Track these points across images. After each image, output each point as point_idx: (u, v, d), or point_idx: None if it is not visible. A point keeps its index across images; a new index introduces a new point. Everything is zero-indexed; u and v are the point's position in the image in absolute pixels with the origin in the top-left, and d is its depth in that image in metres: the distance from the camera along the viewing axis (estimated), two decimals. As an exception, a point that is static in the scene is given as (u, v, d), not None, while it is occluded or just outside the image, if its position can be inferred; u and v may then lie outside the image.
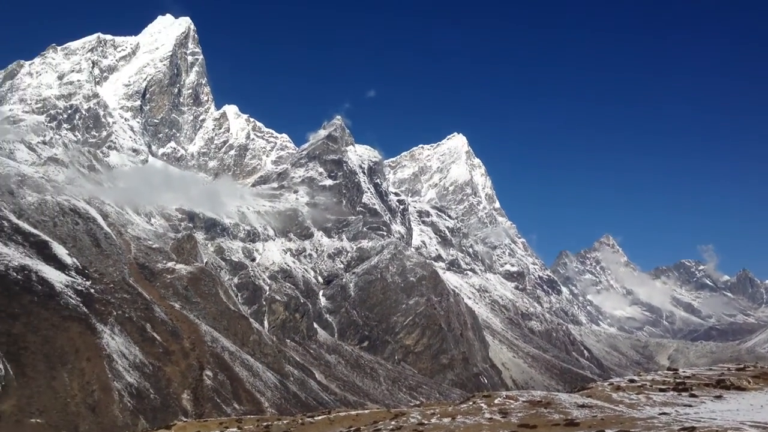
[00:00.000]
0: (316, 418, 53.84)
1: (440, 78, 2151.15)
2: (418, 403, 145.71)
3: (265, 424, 51.47)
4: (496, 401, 36.43)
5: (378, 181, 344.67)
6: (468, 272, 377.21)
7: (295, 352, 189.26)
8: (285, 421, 52.09)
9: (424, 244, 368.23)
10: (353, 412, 56.11)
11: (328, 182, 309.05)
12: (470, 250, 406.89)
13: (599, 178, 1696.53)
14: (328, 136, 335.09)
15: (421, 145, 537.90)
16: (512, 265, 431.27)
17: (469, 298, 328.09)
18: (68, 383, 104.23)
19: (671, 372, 44.09)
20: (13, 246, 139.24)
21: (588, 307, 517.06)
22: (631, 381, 41.17)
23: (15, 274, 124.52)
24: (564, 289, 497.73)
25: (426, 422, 33.88)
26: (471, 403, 37.47)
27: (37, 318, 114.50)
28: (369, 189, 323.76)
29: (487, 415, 32.63)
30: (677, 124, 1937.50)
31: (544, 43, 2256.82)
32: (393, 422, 36.50)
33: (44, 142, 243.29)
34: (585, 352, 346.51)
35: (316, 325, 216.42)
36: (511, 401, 35.88)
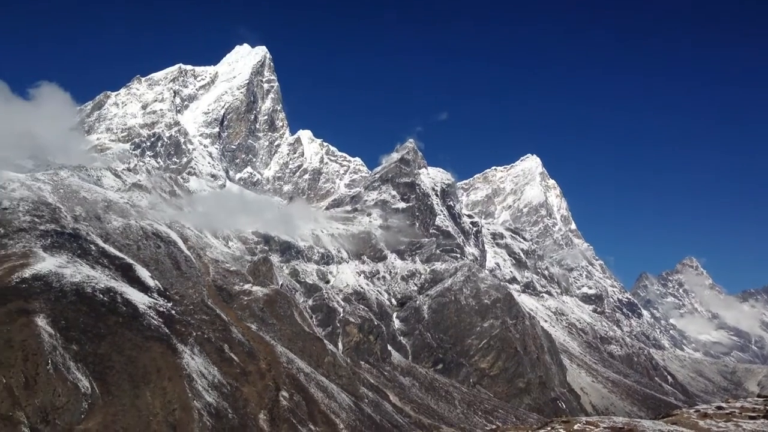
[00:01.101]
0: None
1: (513, 100, 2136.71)
2: (494, 427, 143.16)
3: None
4: (575, 427, 35.67)
5: (451, 203, 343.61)
6: (543, 295, 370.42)
7: (369, 374, 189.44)
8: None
9: (498, 266, 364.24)
10: (427, 435, 55.96)
11: (401, 205, 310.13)
12: (546, 272, 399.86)
13: (680, 197, 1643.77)
14: (401, 159, 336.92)
15: (494, 167, 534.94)
16: (590, 288, 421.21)
17: (545, 321, 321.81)
18: (151, 402, 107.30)
19: (761, 399, 42.13)
20: (100, 269, 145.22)
21: (671, 331, 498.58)
22: (719, 408, 39.60)
23: (101, 295, 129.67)
24: (645, 313, 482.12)
25: (501, 444, 33.47)
26: (549, 428, 36.81)
27: (121, 338, 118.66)
28: (442, 211, 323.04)
29: (565, 439, 32.02)
30: (765, 143, 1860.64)
31: (621, 60, 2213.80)
32: (467, 444, 36.14)
33: (129, 169, 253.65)
34: (668, 377, 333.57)
35: (389, 347, 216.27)
36: (592, 427, 35.08)
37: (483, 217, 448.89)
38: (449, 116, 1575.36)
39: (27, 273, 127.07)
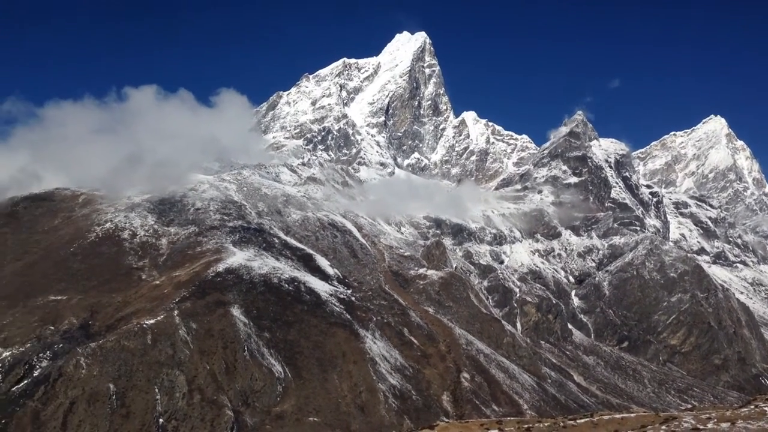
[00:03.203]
0: (578, 420, 52.11)
1: (690, 58, 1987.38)
2: (689, 406, 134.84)
3: (526, 426, 50.90)
4: (785, 405, 32.31)
5: (627, 174, 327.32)
6: (738, 265, 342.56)
7: (551, 353, 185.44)
8: (546, 424, 51.06)
9: (684, 237, 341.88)
10: (618, 416, 53.44)
11: (573, 180, 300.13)
12: (738, 240, 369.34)
13: None
14: (570, 132, 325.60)
15: (673, 133, 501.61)
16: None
17: (741, 292, 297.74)
18: (338, 385, 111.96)
19: None
20: (284, 260, 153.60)
21: None
22: None
23: (287, 285, 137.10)
24: None
25: (701, 427, 31.07)
26: (753, 407, 33.69)
27: (307, 325, 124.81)
28: (617, 183, 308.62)
29: (776, 421, 29.03)
30: None
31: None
32: (663, 426, 33.99)
33: (303, 164, 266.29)
34: None
35: (570, 326, 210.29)
36: (805, 405, 31.58)
37: (663, 186, 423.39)
38: (621, 83, 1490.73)
39: (221, 267, 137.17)
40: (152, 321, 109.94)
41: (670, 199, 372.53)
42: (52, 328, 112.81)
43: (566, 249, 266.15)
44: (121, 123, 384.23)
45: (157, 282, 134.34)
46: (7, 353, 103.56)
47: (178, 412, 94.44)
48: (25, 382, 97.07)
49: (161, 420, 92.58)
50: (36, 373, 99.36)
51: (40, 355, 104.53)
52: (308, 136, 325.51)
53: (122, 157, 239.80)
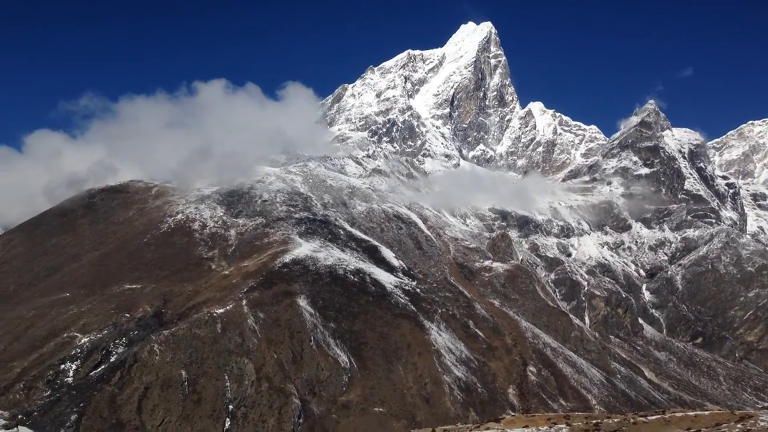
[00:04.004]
0: (649, 417, 50.62)
1: (766, 46, 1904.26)
2: (767, 405, 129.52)
3: (594, 421, 49.71)
4: None
5: (701, 165, 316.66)
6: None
7: (620, 348, 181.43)
8: (615, 420, 49.77)
9: (762, 230, 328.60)
10: (691, 413, 51.69)
11: (644, 171, 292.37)
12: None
13: None
14: (641, 122, 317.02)
15: (750, 122, 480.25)
16: None
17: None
18: (403, 376, 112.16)
19: None
20: (349, 252, 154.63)
21: None
22: None
23: (352, 277, 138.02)
24: None
25: (785, 426, 29.61)
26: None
27: (372, 316, 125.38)
28: (691, 174, 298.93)
29: None
30: None
31: None
32: (739, 425, 32.66)
33: (368, 156, 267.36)
34: None
35: (641, 321, 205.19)
36: None
37: (740, 177, 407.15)
38: (694, 70, 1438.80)
39: (287, 258, 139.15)
40: (222, 310, 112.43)
41: (748, 190, 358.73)
42: (128, 315, 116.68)
43: (637, 242, 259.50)
44: (191, 116, 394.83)
45: (226, 272, 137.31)
46: (86, 339, 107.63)
47: (247, 399, 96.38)
48: (103, 367, 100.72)
49: (231, 407, 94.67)
50: (112, 359, 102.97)
51: (117, 341, 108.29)
52: (373, 128, 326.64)
53: (192, 150, 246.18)
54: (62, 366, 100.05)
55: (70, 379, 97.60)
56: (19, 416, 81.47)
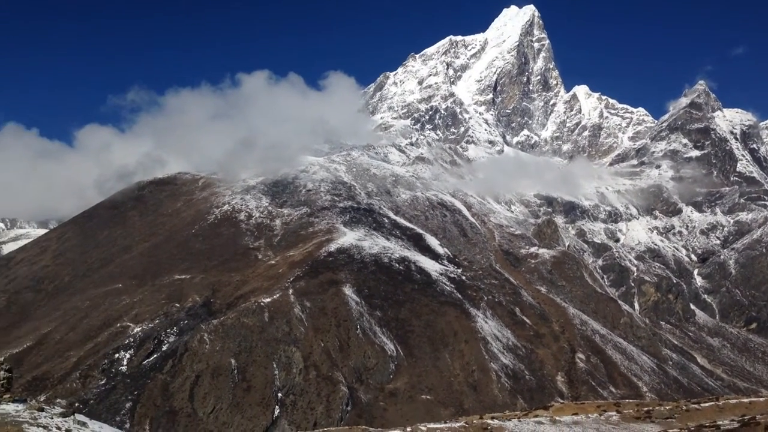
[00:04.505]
0: (702, 404, 49.60)
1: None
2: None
3: (645, 409, 48.89)
4: None
5: (754, 146, 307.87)
6: None
7: (672, 334, 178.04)
8: (667, 407, 48.87)
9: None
10: (745, 400, 50.49)
11: (694, 153, 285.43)
12: None
13: None
14: (691, 103, 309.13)
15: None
16: None
17: None
18: (450, 363, 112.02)
19: None
20: (393, 240, 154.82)
21: None
22: None
23: (397, 265, 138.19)
24: None
25: None
26: None
27: (418, 304, 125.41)
28: (744, 156, 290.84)
29: None
30: None
31: None
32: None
33: (411, 144, 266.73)
34: None
35: (692, 306, 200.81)
36: None
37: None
38: (746, 49, 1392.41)
39: (332, 247, 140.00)
40: (269, 299, 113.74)
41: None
42: (178, 305, 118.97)
43: (687, 226, 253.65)
44: (236, 108, 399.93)
45: (273, 262, 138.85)
46: (138, 329, 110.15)
47: (295, 387, 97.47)
48: (155, 356, 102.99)
49: (280, 394, 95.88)
50: (164, 348, 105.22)
51: (168, 330, 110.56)
52: (416, 115, 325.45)
53: (237, 141, 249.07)
54: (116, 355, 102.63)
55: (124, 368, 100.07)
56: (76, 404, 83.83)
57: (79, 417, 20.88)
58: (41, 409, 20.07)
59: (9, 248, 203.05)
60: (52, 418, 19.34)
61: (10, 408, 19.47)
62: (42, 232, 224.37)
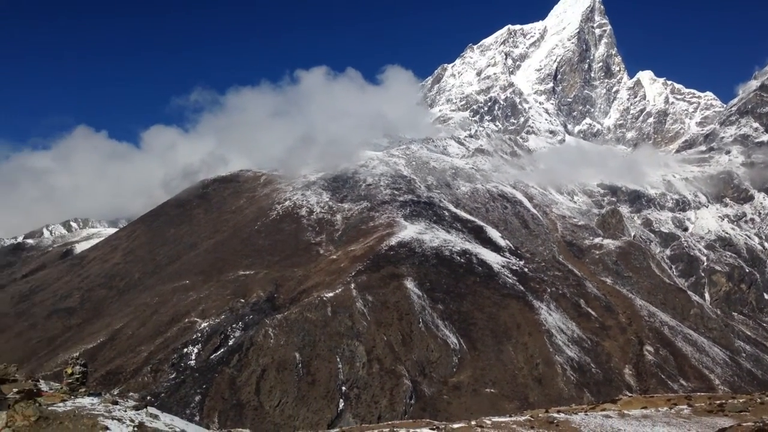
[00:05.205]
0: (780, 398, 47.58)
1: None
2: None
3: (718, 402, 47.31)
4: None
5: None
6: None
7: (744, 326, 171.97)
8: (741, 400, 47.18)
9: None
10: (828, 395, 48.14)
11: (766, 137, 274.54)
12: None
13: None
14: (761, 86, 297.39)
15: None
16: None
17: None
18: (514, 356, 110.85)
19: None
20: (454, 233, 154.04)
21: None
22: None
23: (458, 257, 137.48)
24: None
25: None
26: None
27: (480, 297, 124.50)
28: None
29: None
30: None
31: None
32: None
33: (470, 136, 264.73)
34: None
35: (767, 297, 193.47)
36: None
37: None
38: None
39: (393, 241, 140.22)
40: (331, 294, 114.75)
41: None
42: (243, 300, 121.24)
43: (760, 213, 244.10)
44: (295, 105, 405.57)
45: (334, 256, 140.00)
46: (205, 324, 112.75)
47: (359, 380, 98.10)
48: (222, 350, 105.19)
49: (344, 388, 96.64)
50: (230, 343, 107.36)
51: (233, 325, 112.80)
52: (474, 107, 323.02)
53: (297, 138, 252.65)
54: (185, 350, 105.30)
55: (192, 362, 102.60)
56: (148, 397, 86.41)
57: (152, 410, 21.42)
58: (115, 403, 20.67)
59: (82, 247, 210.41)
60: (125, 411, 19.90)
61: (86, 401, 20.12)
62: (112, 231, 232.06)
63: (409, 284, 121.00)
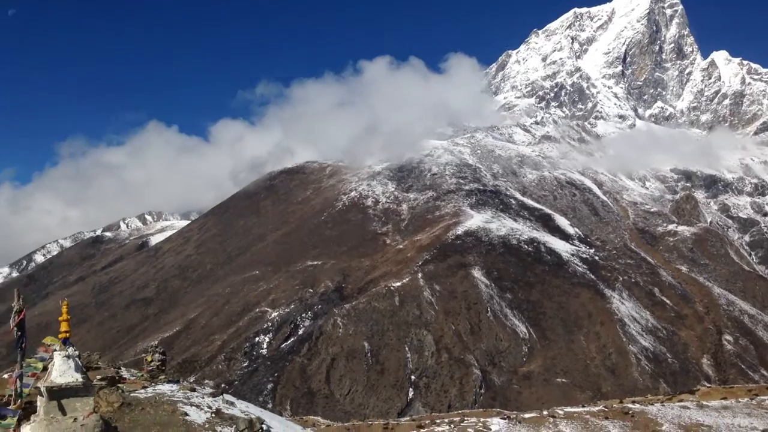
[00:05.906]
0: None
1: None
2: None
3: (804, 393, 45.17)
4: None
5: None
6: None
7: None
8: (832, 393, 44.94)
9: None
10: None
11: None
12: None
13: None
14: None
15: None
16: None
17: None
18: (585, 346, 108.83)
19: None
20: (521, 221, 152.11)
21: None
22: None
23: (526, 246, 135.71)
24: None
25: None
26: None
27: (549, 285, 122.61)
28: None
29: None
30: None
31: None
32: None
33: (536, 122, 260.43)
34: None
35: None
36: None
37: None
38: None
39: (459, 230, 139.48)
40: (398, 283, 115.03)
41: None
42: (311, 290, 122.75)
43: None
44: (359, 95, 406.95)
45: (401, 246, 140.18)
46: (275, 314, 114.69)
47: (428, 369, 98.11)
48: (292, 339, 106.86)
49: (413, 377, 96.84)
50: (300, 332, 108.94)
51: (303, 315, 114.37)
52: (540, 93, 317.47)
53: (361, 128, 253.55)
54: (257, 339, 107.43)
55: (264, 351, 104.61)
56: (223, 385, 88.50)
57: (228, 397, 21.82)
58: (193, 390, 21.13)
59: (156, 239, 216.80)
60: (203, 397, 20.28)
61: (166, 388, 20.64)
62: (185, 223, 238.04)
63: (477, 273, 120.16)
